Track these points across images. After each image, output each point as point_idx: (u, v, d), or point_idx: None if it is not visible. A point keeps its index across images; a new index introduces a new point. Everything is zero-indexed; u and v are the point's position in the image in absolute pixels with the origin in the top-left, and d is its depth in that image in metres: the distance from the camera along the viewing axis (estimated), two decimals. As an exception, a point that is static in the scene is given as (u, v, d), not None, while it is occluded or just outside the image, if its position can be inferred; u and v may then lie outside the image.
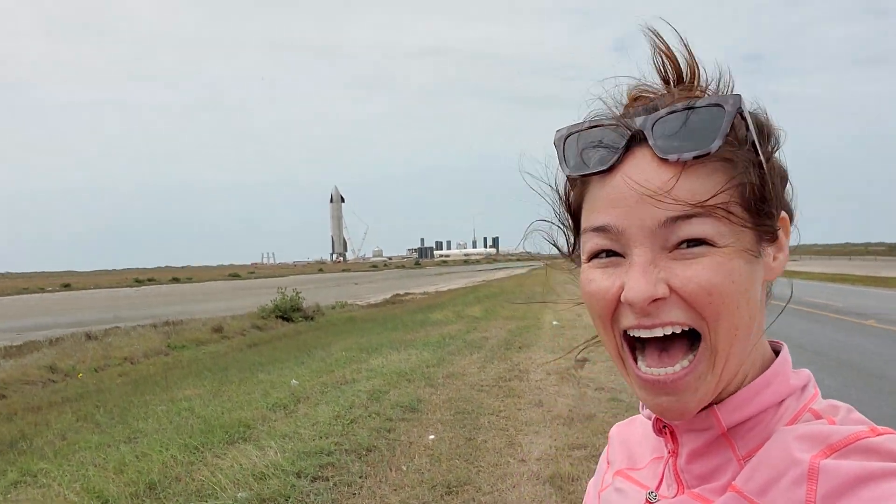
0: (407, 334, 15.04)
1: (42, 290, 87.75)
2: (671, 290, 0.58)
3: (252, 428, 7.11)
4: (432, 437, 6.62)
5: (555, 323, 15.96)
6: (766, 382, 0.63)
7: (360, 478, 5.53)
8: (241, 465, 5.75)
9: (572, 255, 0.74)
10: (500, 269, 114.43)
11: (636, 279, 0.58)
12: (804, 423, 0.60)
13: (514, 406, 7.70)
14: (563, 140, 0.65)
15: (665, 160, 0.58)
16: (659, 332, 0.59)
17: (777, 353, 0.67)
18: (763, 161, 0.60)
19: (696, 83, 0.63)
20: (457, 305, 24.19)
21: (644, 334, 0.60)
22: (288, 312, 23.48)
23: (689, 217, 0.57)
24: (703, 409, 0.62)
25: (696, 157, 0.57)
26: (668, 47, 0.63)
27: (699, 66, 0.63)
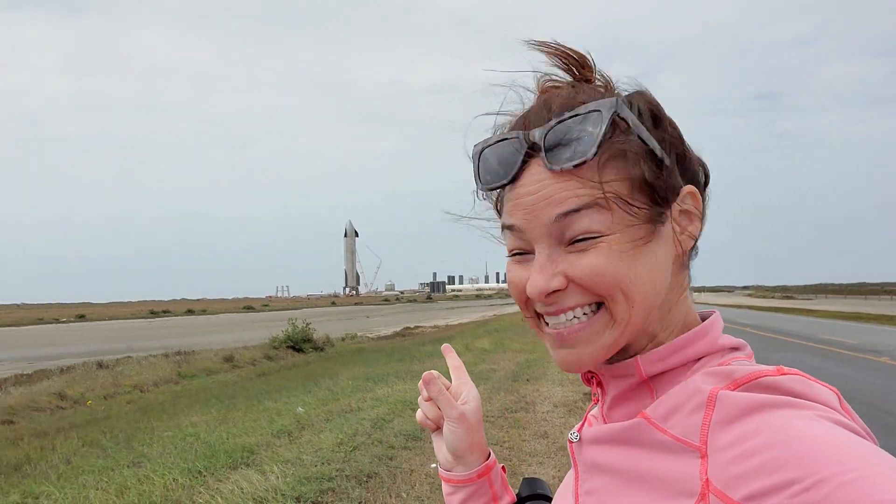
0: (414, 365, 15.00)
1: (57, 321, 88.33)
2: (569, 280, 0.66)
3: (255, 453, 7.10)
4: (434, 465, 6.58)
5: (564, 356, 15.85)
6: (686, 341, 0.69)
7: (359, 503, 5.50)
8: (241, 488, 5.74)
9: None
10: (511, 304, 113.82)
11: (534, 276, 0.67)
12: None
13: (519, 437, 7.65)
14: (478, 156, 0.73)
15: (552, 169, 0.66)
16: (562, 318, 0.68)
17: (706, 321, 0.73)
18: (654, 148, 0.67)
19: (592, 70, 0.73)
20: (466, 338, 24.12)
21: (552, 321, 0.69)
22: (298, 343, 23.49)
23: (576, 210, 0.65)
24: (627, 359, 0.70)
25: (575, 166, 0.65)
26: (556, 47, 0.72)
27: (588, 56, 0.73)
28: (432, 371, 0.93)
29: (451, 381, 0.96)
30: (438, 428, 0.93)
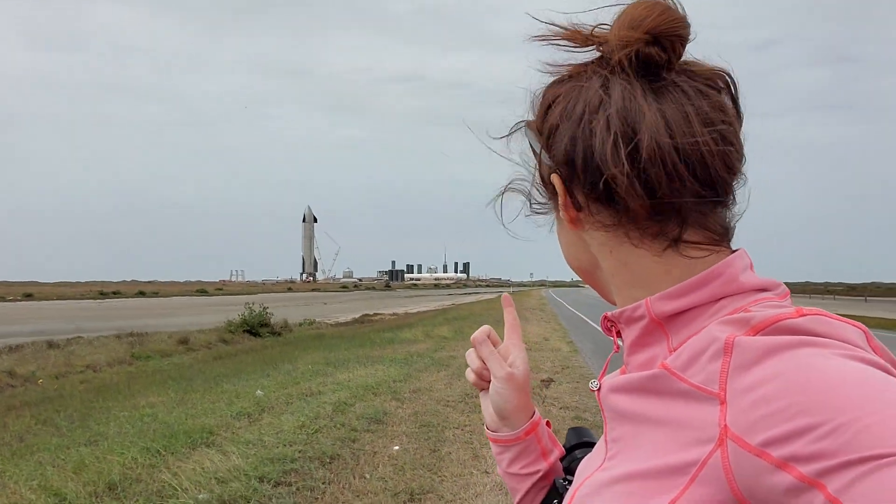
0: (374, 351, 15.01)
1: (3, 300, 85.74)
2: None
3: (215, 434, 7.06)
4: (397, 447, 6.65)
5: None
6: (698, 282, 0.68)
7: (323, 483, 5.53)
8: (203, 468, 5.72)
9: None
10: (470, 293, 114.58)
11: None
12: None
13: (480, 421, 7.73)
14: None
15: None
16: None
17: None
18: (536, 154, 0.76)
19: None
20: (426, 326, 24.19)
21: None
22: (255, 327, 23.27)
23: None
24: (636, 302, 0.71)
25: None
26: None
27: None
28: (485, 326, 0.95)
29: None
30: (485, 389, 0.94)
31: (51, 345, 18.65)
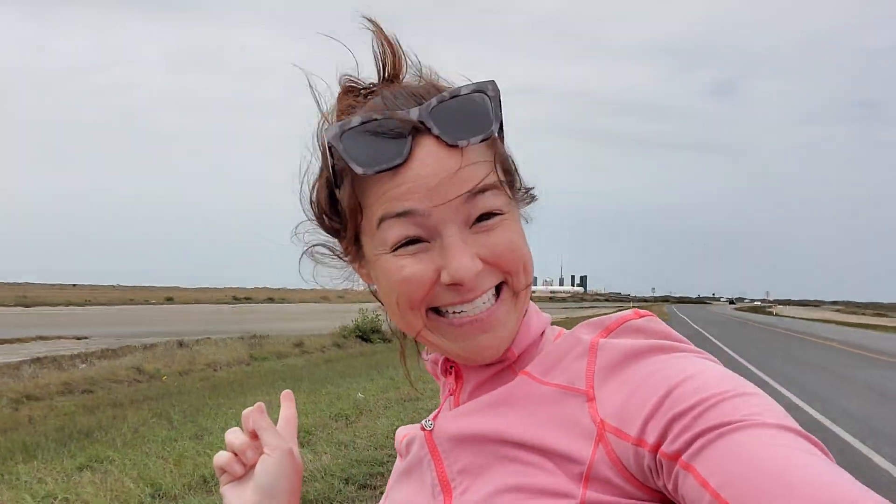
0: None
1: (147, 303, 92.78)
2: (482, 261, 0.64)
3: (312, 434, 7.18)
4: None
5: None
6: (530, 316, 0.71)
7: (407, 489, 5.46)
8: (292, 466, 5.80)
9: (346, 255, 0.75)
10: (586, 307, 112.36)
11: (460, 258, 0.62)
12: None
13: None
14: (340, 138, 0.65)
15: (453, 146, 0.63)
16: (479, 303, 0.65)
17: None
18: (503, 136, 0.70)
19: (402, 73, 0.71)
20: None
21: (468, 308, 0.65)
22: (367, 333, 23.74)
23: (483, 191, 0.64)
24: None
25: (482, 140, 0.64)
26: (388, 40, 0.71)
27: (406, 57, 0.72)
28: (259, 403, 0.79)
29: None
30: (239, 477, 0.77)
31: (181, 344, 19.85)
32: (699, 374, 0.58)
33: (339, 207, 0.70)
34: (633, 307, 0.73)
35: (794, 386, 12.83)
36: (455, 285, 0.63)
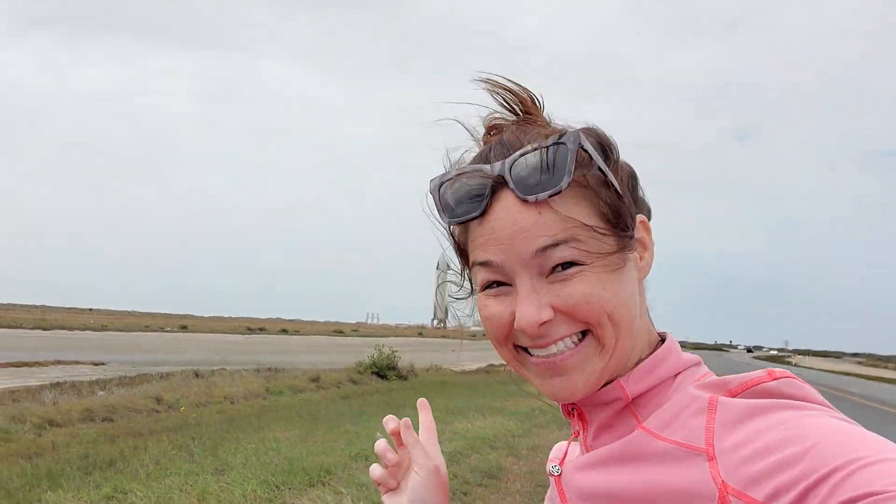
0: (496, 402, 14.84)
1: (162, 330, 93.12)
2: (555, 310, 0.66)
3: (332, 474, 7.20)
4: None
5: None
6: (660, 359, 0.70)
7: (429, 535, 5.45)
8: (315, 507, 5.81)
9: (466, 284, 0.83)
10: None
11: (524, 307, 0.66)
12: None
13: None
14: (437, 190, 0.73)
15: (525, 201, 0.66)
16: (553, 349, 0.68)
17: (663, 339, 0.75)
18: (612, 180, 0.69)
19: (538, 112, 0.74)
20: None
21: (541, 353, 0.69)
22: (383, 370, 23.69)
23: (555, 245, 0.65)
24: (607, 384, 0.70)
25: (550, 195, 0.66)
26: (503, 84, 0.73)
27: (535, 96, 0.74)
28: (405, 418, 0.88)
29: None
30: (392, 489, 0.87)
31: (197, 374, 19.91)
32: (834, 433, 0.54)
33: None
34: (768, 367, 0.66)
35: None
36: (525, 332, 0.67)
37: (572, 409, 0.75)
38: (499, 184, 0.68)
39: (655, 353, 0.70)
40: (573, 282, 0.66)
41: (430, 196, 0.74)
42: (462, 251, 0.77)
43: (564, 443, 0.89)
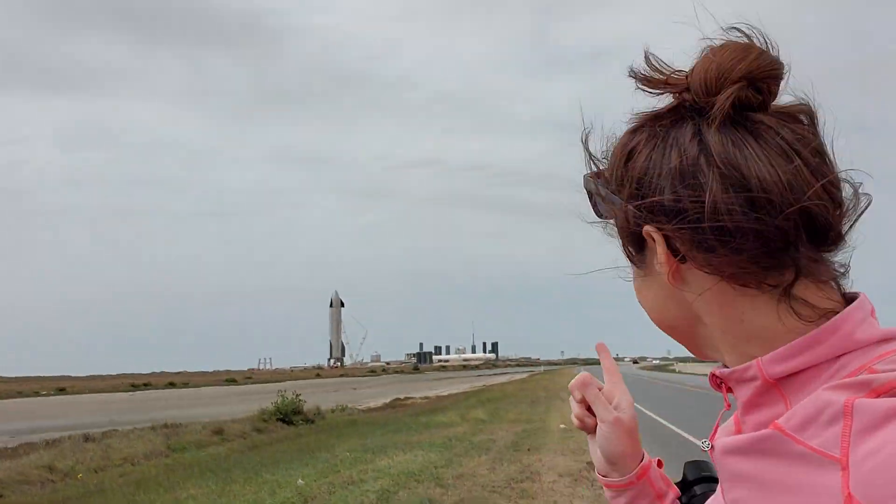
0: (412, 436, 14.79)
1: (37, 394, 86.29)
2: None
3: (261, 527, 6.95)
4: (447, 536, 6.48)
5: (562, 426, 15.72)
6: (813, 340, 0.64)
7: (375, 576, 5.39)
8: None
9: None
10: (500, 374, 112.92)
11: None
12: None
13: (528, 507, 7.56)
14: None
15: None
16: None
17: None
18: (615, 207, 0.71)
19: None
20: (460, 409, 23.86)
21: None
22: (289, 415, 23.07)
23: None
24: (745, 359, 0.67)
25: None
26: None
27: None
28: (585, 373, 0.94)
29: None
30: (593, 430, 0.93)
31: (87, 438, 18.64)
32: None
33: None
34: None
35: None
36: None
37: (720, 382, 0.73)
38: None
39: (812, 332, 0.64)
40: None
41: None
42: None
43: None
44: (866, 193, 0.67)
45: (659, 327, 0.74)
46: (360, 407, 34.18)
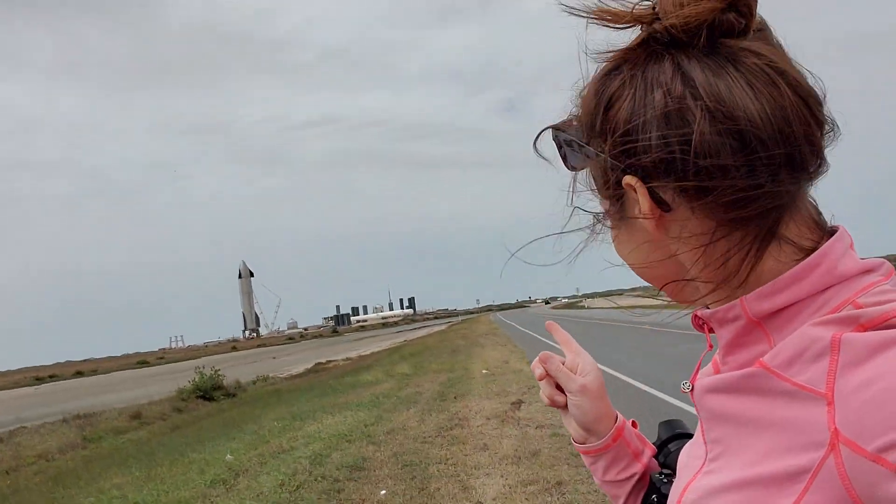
0: (338, 398, 14.79)
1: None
2: None
3: (193, 506, 6.83)
4: (384, 492, 6.56)
5: (484, 371, 16.09)
6: (796, 275, 0.62)
7: (317, 539, 5.41)
8: (190, 542, 5.52)
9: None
10: (419, 328, 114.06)
11: None
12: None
13: (461, 452, 7.73)
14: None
15: None
16: None
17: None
18: (593, 159, 0.67)
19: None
20: (384, 366, 23.99)
21: None
22: (209, 391, 22.60)
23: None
24: (729, 301, 0.65)
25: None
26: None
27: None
28: (545, 351, 0.94)
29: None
30: (564, 405, 0.94)
31: (-7, 439, 17.68)
32: None
33: None
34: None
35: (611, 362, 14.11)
36: None
37: (702, 323, 0.70)
38: None
39: (795, 268, 0.62)
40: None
41: None
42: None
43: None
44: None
45: (642, 277, 0.72)
46: (282, 376, 33.84)
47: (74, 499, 8.55)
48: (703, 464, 0.70)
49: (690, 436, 0.88)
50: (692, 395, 0.72)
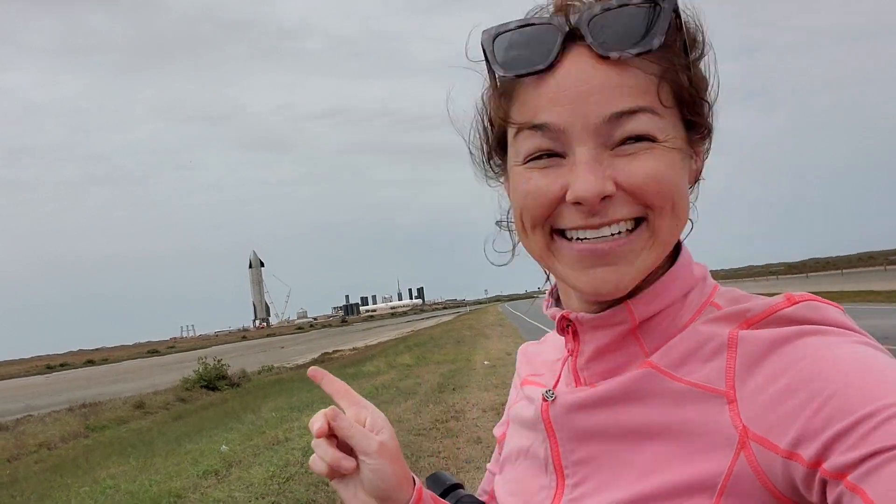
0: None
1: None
2: (617, 186, 0.58)
3: (183, 497, 6.83)
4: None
5: (486, 363, 16.04)
6: (674, 275, 0.62)
7: (301, 532, 5.38)
8: (174, 534, 5.51)
9: (489, 163, 0.72)
10: (427, 318, 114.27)
11: (585, 176, 0.57)
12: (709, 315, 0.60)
13: (454, 446, 7.69)
14: (493, 40, 0.62)
15: (605, 57, 0.57)
16: (606, 232, 0.59)
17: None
18: (690, 63, 0.61)
19: None
20: (388, 356, 24.00)
21: (590, 234, 0.59)
22: (212, 381, 22.73)
23: (633, 113, 0.57)
24: (614, 304, 0.62)
25: (637, 55, 0.57)
26: None
27: None
28: (330, 408, 0.74)
29: (371, 403, 0.77)
30: (344, 475, 0.72)
31: (-1, 427, 17.85)
32: (858, 371, 0.49)
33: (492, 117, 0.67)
34: (784, 293, 0.58)
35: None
36: (578, 205, 0.58)
37: (567, 325, 0.66)
38: (571, 37, 0.59)
39: (671, 270, 0.62)
40: (642, 158, 0.57)
41: (483, 47, 0.62)
42: (499, 118, 0.65)
43: (535, 344, 0.84)
44: None
45: (678, 220, 0.61)
46: (288, 365, 33.99)
47: (70, 487, 8.58)
48: (559, 491, 0.64)
49: (460, 485, 0.88)
50: (547, 407, 0.66)
